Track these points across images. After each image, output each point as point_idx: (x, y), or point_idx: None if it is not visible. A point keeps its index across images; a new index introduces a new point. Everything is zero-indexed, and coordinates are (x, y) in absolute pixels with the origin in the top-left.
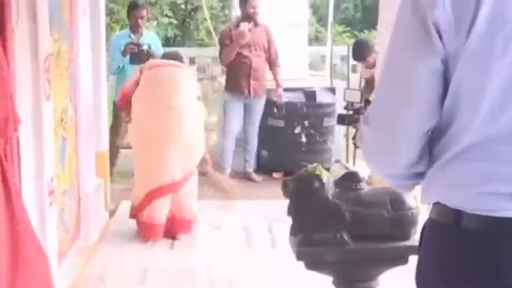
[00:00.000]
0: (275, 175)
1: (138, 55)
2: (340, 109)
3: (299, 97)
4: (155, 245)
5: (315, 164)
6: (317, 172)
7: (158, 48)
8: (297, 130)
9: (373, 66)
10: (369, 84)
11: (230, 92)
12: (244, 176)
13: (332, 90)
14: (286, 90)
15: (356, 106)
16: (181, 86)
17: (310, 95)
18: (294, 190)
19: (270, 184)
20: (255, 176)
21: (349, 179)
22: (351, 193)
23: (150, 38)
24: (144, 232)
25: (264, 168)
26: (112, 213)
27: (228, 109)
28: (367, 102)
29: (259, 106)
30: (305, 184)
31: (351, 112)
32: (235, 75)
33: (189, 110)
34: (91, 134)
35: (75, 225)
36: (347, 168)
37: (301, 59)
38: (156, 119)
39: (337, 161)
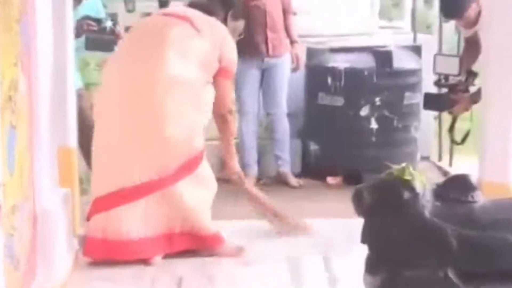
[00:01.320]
0: (330, 180)
1: (99, 38)
2: (428, 83)
3: (366, 61)
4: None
5: (403, 165)
6: (407, 177)
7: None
8: (364, 111)
9: (474, 23)
10: (472, 47)
11: (239, 53)
12: (276, 179)
13: (416, 49)
14: (346, 50)
15: (453, 80)
16: (171, 51)
17: (383, 57)
18: (372, 204)
19: (323, 194)
20: (293, 179)
21: (456, 187)
22: (459, 208)
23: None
24: (92, 251)
25: (314, 169)
26: (83, 239)
27: (239, 78)
28: (470, 74)
29: (283, 70)
30: (389, 194)
31: (445, 89)
32: (245, 27)
33: (183, 88)
34: (55, 122)
35: (29, 257)
36: (440, 168)
37: (366, 2)
38: (130, 93)
39: (425, 158)
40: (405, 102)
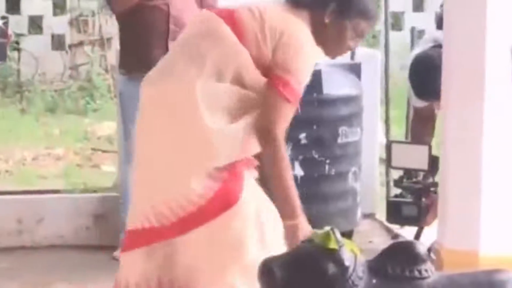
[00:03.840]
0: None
1: None
2: (371, 112)
3: None
4: None
5: (326, 228)
6: (333, 245)
7: None
8: (287, 152)
9: None
10: (426, 117)
11: (129, 70)
12: None
13: (354, 68)
14: None
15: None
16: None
17: (310, 80)
18: (285, 283)
19: None
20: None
21: (398, 259)
22: (403, 287)
23: None
24: None
25: None
26: None
27: (128, 105)
28: (433, 161)
29: None
30: (308, 270)
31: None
32: (137, 35)
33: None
34: None
35: None
36: (389, 230)
37: None
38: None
39: (369, 215)
40: (340, 140)
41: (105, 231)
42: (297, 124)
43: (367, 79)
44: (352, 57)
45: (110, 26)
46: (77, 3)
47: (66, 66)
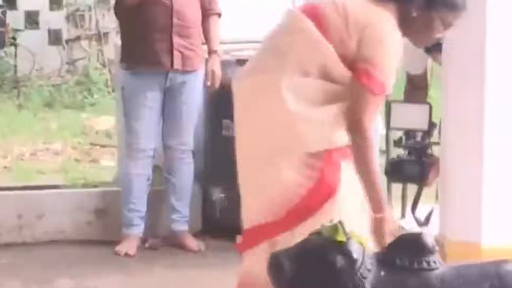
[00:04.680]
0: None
1: None
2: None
3: None
4: None
5: (335, 221)
6: (341, 238)
7: None
8: None
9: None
10: (419, 85)
11: (131, 65)
12: (171, 242)
13: None
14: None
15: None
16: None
17: None
18: (295, 275)
19: (231, 259)
20: (191, 241)
21: (406, 251)
22: (410, 278)
23: None
24: None
25: (219, 225)
26: None
27: (130, 100)
28: (431, 125)
29: (193, 90)
30: (317, 262)
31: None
32: (140, 30)
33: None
34: None
35: None
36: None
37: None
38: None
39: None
40: None
41: (106, 226)
42: None
43: None
44: None
45: (107, 21)
46: None
47: (63, 61)
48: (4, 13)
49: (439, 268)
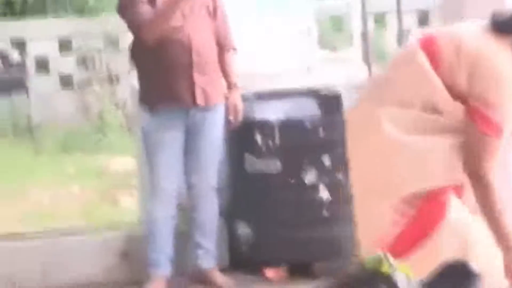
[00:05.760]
0: (269, 273)
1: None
2: None
3: (306, 109)
4: None
5: (379, 252)
6: (386, 269)
7: None
8: (309, 177)
9: None
10: None
11: (152, 104)
12: (199, 279)
13: None
14: (278, 96)
15: None
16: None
17: (330, 102)
18: None
19: None
20: (219, 277)
21: (453, 280)
22: None
23: None
24: None
25: (246, 259)
26: None
27: (151, 140)
28: None
29: (215, 125)
30: None
31: None
32: (160, 70)
33: None
34: None
35: None
36: None
37: (299, 27)
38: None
39: None
40: None
41: (133, 267)
42: (319, 147)
43: None
44: (370, 75)
45: (118, 63)
46: (83, 42)
47: (76, 105)
48: (22, 56)
49: None
